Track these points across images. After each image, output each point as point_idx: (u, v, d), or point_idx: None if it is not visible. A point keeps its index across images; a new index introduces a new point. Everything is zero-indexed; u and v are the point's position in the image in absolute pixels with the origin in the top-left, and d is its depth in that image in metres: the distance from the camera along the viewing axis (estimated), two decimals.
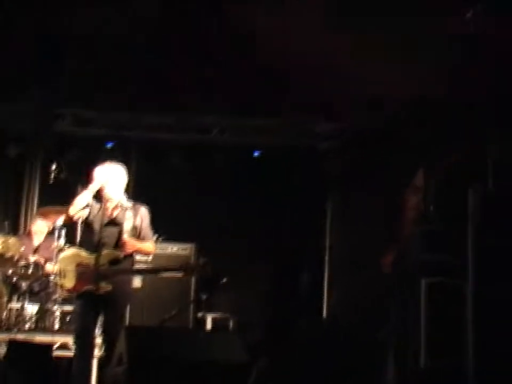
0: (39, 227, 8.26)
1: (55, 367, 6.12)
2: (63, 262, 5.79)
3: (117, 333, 5.27)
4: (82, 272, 5.66)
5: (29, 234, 8.30)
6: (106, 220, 5.71)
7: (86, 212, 5.78)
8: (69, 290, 5.77)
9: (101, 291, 5.52)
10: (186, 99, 10.15)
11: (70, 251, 5.95)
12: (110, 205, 5.80)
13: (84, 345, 5.63)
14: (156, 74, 10.03)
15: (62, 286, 5.79)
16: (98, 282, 5.51)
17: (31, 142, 9.62)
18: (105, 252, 5.65)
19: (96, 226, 5.68)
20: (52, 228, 8.28)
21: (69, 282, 5.69)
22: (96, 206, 5.78)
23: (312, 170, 9.99)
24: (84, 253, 5.73)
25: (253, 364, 6.17)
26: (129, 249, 5.72)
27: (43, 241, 8.22)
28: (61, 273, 5.73)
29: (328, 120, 9.68)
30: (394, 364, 6.06)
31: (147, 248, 5.95)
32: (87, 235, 5.84)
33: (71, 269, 5.70)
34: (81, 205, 5.74)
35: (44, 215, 8.23)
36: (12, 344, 6.38)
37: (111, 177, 5.81)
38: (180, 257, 7.83)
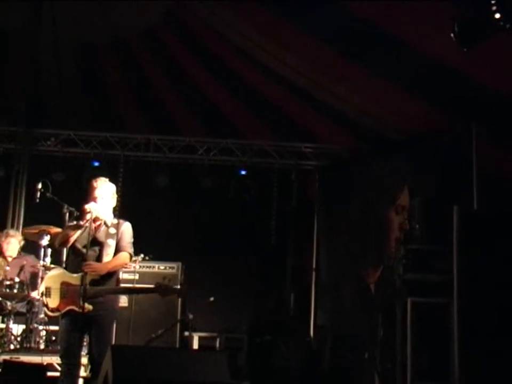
0: (12, 244, 8.14)
1: None
2: (49, 281, 5.76)
3: (102, 352, 5.25)
4: (66, 292, 5.62)
5: (1, 252, 8.10)
6: (90, 239, 5.66)
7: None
8: (52, 310, 5.68)
9: (85, 311, 5.48)
10: (173, 119, 10.26)
11: (56, 270, 5.90)
12: (95, 224, 5.77)
13: (70, 364, 5.57)
14: (144, 95, 10.14)
15: (46, 305, 5.71)
16: (82, 302, 5.46)
17: (17, 162, 9.60)
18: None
19: (80, 246, 5.65)
20: (22, 245, 8.23)
21: (53, 302, 5.65)
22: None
23: (300, 191, 10.03)
24: (68, 273, 5.70)
25: None
26: (91, 272, 5.58)
27: (14, 259, 8.09)
28: (46, 292, 5.69)
29: (314, 141, 9.77)
30: None
31: (119, 261, 5.77)
32: (71, 255, 5.81)
33: (56, 288, 5.66)
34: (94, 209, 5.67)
35: (29, 233, 8.17)
36: (6, 364, 6.35)
37: (105, 195, 5.78)
38: (167, 275, 7.81)
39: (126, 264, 6.00)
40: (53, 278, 5.77)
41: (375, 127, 8.77)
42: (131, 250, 5.85)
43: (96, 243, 5.68)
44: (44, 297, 5.75)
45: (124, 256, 5.80)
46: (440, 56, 6.67)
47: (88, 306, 5.48)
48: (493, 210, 6.34)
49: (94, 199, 5.71)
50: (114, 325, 6.31)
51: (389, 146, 8.58)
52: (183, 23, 9.10)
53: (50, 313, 5.73)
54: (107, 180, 5.92)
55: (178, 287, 5.96)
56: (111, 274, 5.76)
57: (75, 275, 5.61)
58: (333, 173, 9.70)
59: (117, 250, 5.77)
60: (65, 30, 9.03)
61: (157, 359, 4.81)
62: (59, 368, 5.97)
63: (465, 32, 5.17)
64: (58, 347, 6.17)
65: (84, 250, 5.57)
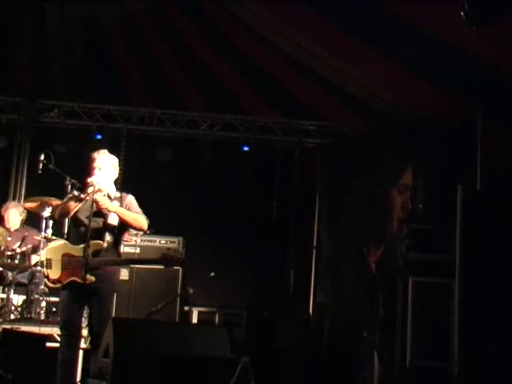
0: (11, 216, 8.17)
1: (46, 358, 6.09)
2: (49, 253, 5.76)
3: (102, 324, 5.29)
4: (68, 263, 5.63)
5: (3, 223, 8.13)
6: (93, 211, 5.63)
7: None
8: (53, 281, 5.69)
9: (86, 282, 5.49)
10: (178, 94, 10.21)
11: (57, 242, 5.91)
12: (98, 196, 5.72)
13: (69, 335, 5.59)
14: (147, 69, 10.08)
15: (47, 276, 5.72)
16: (86, 272, 5.47)
17: (20, 133, 9.59)
18: (89, 242, 5.54)
19: (83, 217, 5.64)
20: (25, 217, 8.24)
21: (55, 273, 5.65)
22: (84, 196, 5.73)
23: (302, 168, 10.01)
24: (70, 245, 5.71)
25: (237, 359, 6.18)
26: (101, 205, 5.59)
27: (16, 230, 8.12)
28: (47, 263, 5.70)
29: (318, 118, 9.73)
30: (379, 363, 6.06)
31: (136, 216, 5.74)
32: (73, 226, 5.81)
33: (57, 259, 5.66)
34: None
35: (31, 206, 8.16)
36: (6, 334, 6.39)
37: (103, 166, 5.76)
38: (170, 247, 7.82)
39: (141, 226, 5.85)
40: (53, 249, 5.77)
41: (380, 107, 8.72)
42: (146, 217, 5.84)
43: (99, 215, 5.67)
44: (44, 268, 5.76)
45: (141, 217, 5.79)
46: (449, 38, 6.62)
47: (90, 278, 5.48)
48: (497, 190, 6.32)
49: (92, 170, 5.70)
50: (115, 298, 6.31)
51: (394, 127, 8.55)
52: None
53: (51, 285, 5.74)
54: (106, 151, 5.90)
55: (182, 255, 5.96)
56: (115, 246, 5.76)
57: (77, 246, 5.61)
58: (336, 152, 9.67)
59: None
60: (72, 3, 8.97)
61: (159, 333, 4.84)
62: (59, 339, 5.99)
63: (476, 10, 5.11)
64: (58, 318, 6.19)
65: (87, 222, 5.56)
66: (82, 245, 5.54)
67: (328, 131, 9.80)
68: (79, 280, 5.50)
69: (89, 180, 5.63)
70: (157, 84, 10.19)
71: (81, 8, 9.12)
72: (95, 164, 5.73)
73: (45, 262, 5.76)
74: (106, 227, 5.69)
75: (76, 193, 5.80)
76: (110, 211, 5.67)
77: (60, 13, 9.09)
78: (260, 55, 9.21)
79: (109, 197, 5.76)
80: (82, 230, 5.61)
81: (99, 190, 5.66)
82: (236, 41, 9.21)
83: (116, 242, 5.79)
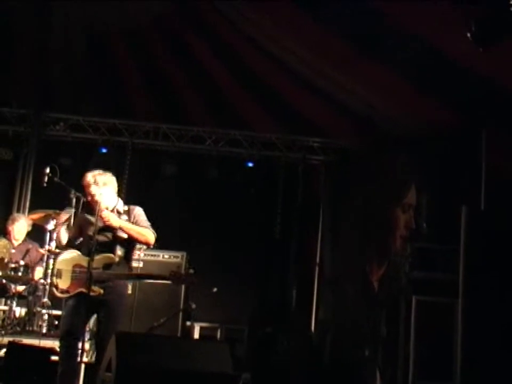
0: (19, 229, 8.16)
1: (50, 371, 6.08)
2: (61, 264, 5.81)
3: (108, 337, 5.28)
4: (78, 273, 5.69)
5: (8, 235, 8.12)
6: (101, 225, 5.68)
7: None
8: (62, 291, 5.73)
9: (93, 294, 5.52)
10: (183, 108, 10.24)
11: (69, 253, 5.93)
12: (103, 212, 5.75)
13: (69, 347, 5.58)
14: (153, 83, 10.10)
15: (56, 286, 5.75)
16: (90, 285, 5.49)
17: (26, 145, 9.62)
18: (100, 256, 5.65)
19: (91, 232, 5.68)
20: (30, 229, 8.23)
21: (64, 283, 5.71)
22: (92, 211, 5.79)
23: (306, 185, 10.02)
24: (81, 256, 5.75)
25: (239, 376, 6.16)
26: (106, 221, 5.66)
27: (20, 243, 8.11)
28: (58, 273, 5.74)
29: (322, 136, 9.75)
30: (381, 382, 6.04)
31: (143, 230, 5.79)
32: (83, 240, 5.86)
33: (67, 270, 5.71)
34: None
35: (35, 218, 8.17)
36: (11, 346, 6.39)
37: (103, 186, 5.79)
38: (171, 264, 7.82)
39: (147, 240, 5.88)
40: (65, 261, 5.84)
41: (384, 123, 8.73)
42: (153, 231, 5.86)
43: (108, 229, 5.71)
44: (54, 278, 5.80)
45: (148, 231, 5.82)
46: (454, 55, 6.64)
47: (99, 290, 5.54)
48: (501, 210, 6.33)
49: (88, 196, 5.79)
50: (121, 311, 6.30)
51: (397, 143, 8.55)
52: (195, 11, 9.07)
53: (59, 294, 5.78)
54: (98, 171, 5.90)
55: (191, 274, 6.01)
56: (126, 260, 5.80)
57: (88, 258, 5.65)
58: (340, 168, 9.68)
59: None
60: (77, 14, 9.01)
61: (162, 347, 4.83)
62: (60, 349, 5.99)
63: (483, 32, 5.14)
64: (61, 328, 6.20)
65: (96, 236, 5.61)
66: (96, 257, 5.59)
67: (332, 148, 9.82)
68: (87, 292, 5.53)
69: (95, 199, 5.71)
70: (163, 98, 10.20)
71: (86, 20, 9.14)
72: (88, 189, 5.79)
73: (55, 272, 5.80)
74: (116, 240, 5.74)
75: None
76: (114, 226, 5.71)
77: (64, 25, 9.12)
78: (267, 71, 9.23)
79: (118, 211, 5.81)
80: (91, 244, 5.65)
81: (106, 208, 5.74)
82: (241, 56, 9.23)
83: (127, 256, 5.84)
